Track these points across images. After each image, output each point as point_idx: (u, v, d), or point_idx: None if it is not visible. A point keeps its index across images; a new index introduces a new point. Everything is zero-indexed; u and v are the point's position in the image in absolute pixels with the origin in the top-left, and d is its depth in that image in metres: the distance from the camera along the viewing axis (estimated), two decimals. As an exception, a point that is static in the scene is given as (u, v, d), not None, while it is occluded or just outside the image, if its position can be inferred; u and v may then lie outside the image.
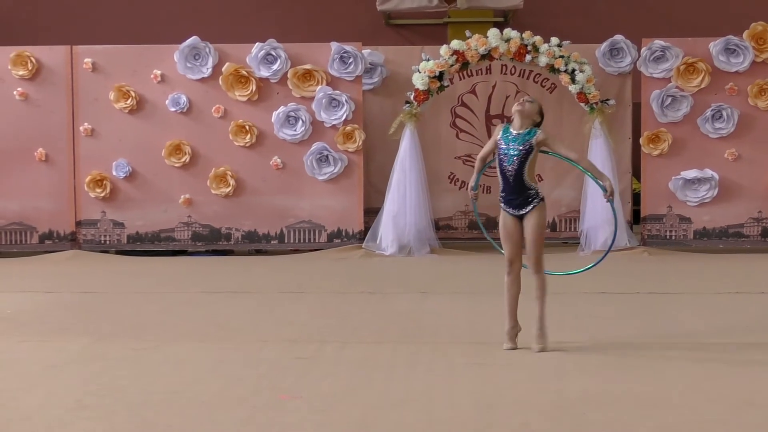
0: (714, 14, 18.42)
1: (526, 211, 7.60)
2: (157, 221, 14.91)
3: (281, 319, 9.25)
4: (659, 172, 14.80)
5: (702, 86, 14.60)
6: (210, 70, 14.69)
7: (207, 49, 14.70)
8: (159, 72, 14.75)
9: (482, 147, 15.18)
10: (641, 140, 14.78)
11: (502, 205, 7.71)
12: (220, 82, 14.66)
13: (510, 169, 7.59)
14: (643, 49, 14.72)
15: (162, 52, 14.87)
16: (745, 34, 14.66)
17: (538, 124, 7.71)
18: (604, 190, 7.62)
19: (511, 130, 7.67)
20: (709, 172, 14.66)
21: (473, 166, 15.18)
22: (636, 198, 15.63)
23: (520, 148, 7.55)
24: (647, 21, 18.17)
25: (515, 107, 7.72)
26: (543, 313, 7.66)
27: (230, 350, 7.75)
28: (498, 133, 7.75)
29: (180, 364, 7.27)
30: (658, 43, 14.67)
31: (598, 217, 14.39)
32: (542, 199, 7.64)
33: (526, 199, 7.59)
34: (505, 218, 7.67)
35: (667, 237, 14.90)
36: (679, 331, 8.48)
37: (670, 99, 14.63)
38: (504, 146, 7.64)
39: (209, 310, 9.86)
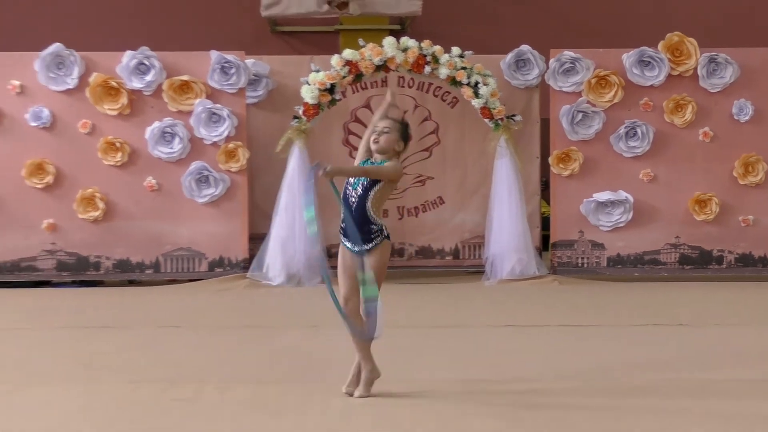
0: (627, 24, 18.76)
1: (368, 248, 7.47)
2: (17, 249, 14.68)
3: (157, 356, 9.17)
4: (570, 194, 15.00)
5: (615, 101, 14.86)
6: (76, 80, 14.55)
7: (72, 58, 14.56)
8: (18, 83, 14.57)
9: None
10: (550, 159, 14.97)
11: (341, 237, 7.59)
12: (87, 94, 14.52)
13: (353, 194, 7.47)
14: (551, 61, 14.93)
15: (21, 60, 14.69)
16: (660, 45, 14.95)
17: (401, 152, 7.65)
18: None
19: (371, 159, 7.64)
20: (623, 195, 14.89)
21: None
22: (545, 222, 15.82)
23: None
24: (556, 30, 18.45)
25: (372, 145, 7.62)
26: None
27: (99, 392, 7.66)
28: (358, 159, 7.71)
29: (42, 409, 7.16)
30: (568, 54, 14.90)
31: (505, 243, 14.53)
32: (387, 237, 7.50)
33: (368, 234, 7.45)
34: (344, 252, 7.57)
35: (579, 264, 15.09)
36: (591, 367, 8.59)
37: (580, 115, 14.85)
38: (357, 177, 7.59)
39: (76, 347, 9.73)
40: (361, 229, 7.43)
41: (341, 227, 7.58)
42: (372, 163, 7.58)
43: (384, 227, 7.50)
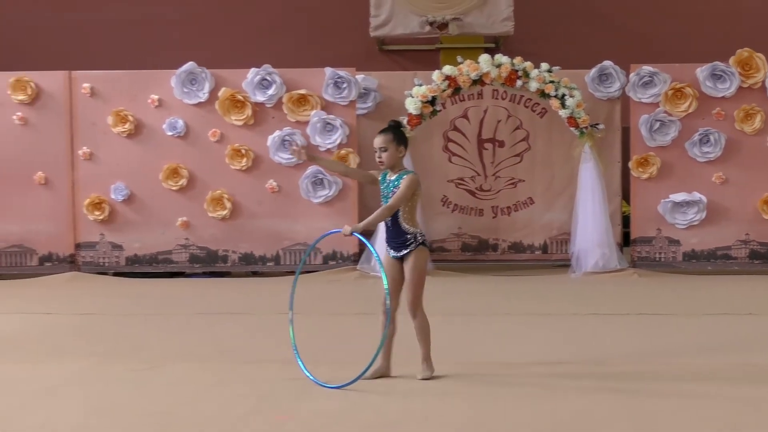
0: (701, 41, 18.52)
1: (404, 253, 7.52)
2: (155, 244, 14.93)
3: (278, 339, 9.25)
4: (648, 195, 14.86)
5: (689, 111, 14.68)
6: (206, 94, 14.74)
7: (203, 75, 14.75)
8: (156, 97, 14.81)
9: (474, 170, 15.30)
10: (630, 164, 14.84)
11: (385, 244, 7.67)
12: (217, 106, 14.71)
13: None
14: (631, 75, 14.80)
15: (159, 77, 14.92)
16: (731, 60, 14.75)
17: (403, 170, 7.56)
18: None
19: (387, 177, 7.63)
20: (697, 196, 14.71)
21: (466, 190, 15.33)
22: (626, 220, 15.68)
23: (390, 194, 7.50)
24: (635, 47, 18.26)
25: (379, 165, 7.63)
26: (427, 353, 7.62)
27: (227, 371, 7.78)
28: (378, 174, 7.69)
29: (178, 385, 7.30)
30: (646, 68, 14.76)
31: (589, 239, 14.46)
32: (422, 243, 7.53)
33: (403, 242, 7.51)
34: (386, 258, 7.62)
35: (657, 259, 14.94)
36: (668, 353, 8.52)
37: (658, 123, 14.71)
38: (382, 190, 7.60)
39: (206, 331, 9.88)
40: (398, 238, 7.53)
41: (385, 237, 7.67)
42: (388, 178, 7.58)
43: (418, 234, 7.56)
